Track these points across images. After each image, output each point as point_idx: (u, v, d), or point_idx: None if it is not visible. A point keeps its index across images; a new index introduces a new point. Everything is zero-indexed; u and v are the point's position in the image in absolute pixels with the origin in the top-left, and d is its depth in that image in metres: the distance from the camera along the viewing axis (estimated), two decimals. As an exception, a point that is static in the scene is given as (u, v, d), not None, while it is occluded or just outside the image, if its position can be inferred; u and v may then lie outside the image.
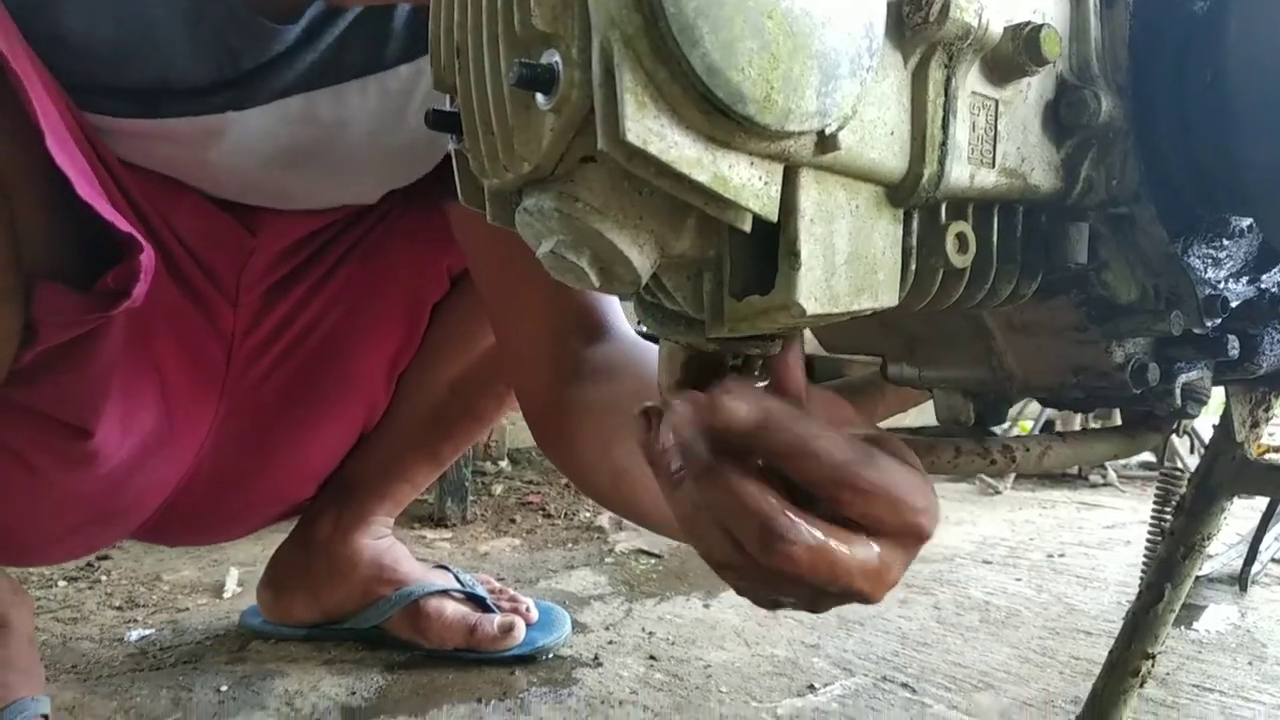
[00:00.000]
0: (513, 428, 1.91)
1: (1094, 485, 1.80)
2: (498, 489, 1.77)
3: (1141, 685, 0.71)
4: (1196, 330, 0.41)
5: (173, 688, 0.89)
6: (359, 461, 0.99)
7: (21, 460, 0.73)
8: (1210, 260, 0.43)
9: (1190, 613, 1.10)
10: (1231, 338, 0.43)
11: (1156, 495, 0.80)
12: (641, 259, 0.32)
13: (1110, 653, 0.72)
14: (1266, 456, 1.15)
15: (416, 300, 0.94)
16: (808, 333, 0.54)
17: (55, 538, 0.84)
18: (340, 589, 0.97)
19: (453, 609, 0.95)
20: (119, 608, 1.13)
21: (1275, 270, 0.45)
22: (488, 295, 0.79)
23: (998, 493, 1.75)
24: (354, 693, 0.89)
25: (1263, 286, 0.44)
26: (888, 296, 0.34)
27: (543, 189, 0.32)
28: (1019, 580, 1.24)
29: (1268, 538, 1.23)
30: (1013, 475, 1.80)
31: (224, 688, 0.89)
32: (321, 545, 0.98)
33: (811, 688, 0.90)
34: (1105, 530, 1.49)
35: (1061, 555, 1.35)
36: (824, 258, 0.32)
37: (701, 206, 0.30)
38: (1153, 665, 0.71)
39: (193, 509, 0.92)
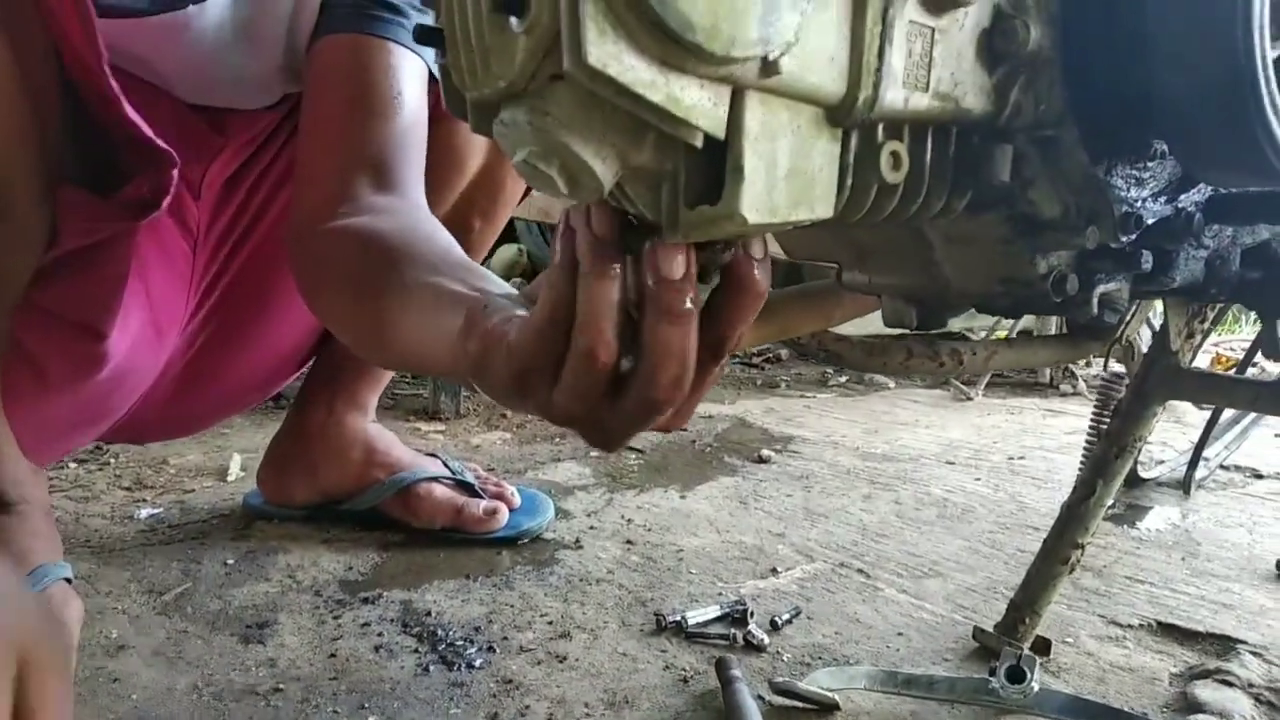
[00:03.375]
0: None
1: (1064, 394, 1.86)
2: (488, 386, 1.83)
3: (1071, 572, 0.78)
4: (1113, 245, 0.46)
5: (182, 560, 0.96)
6: (342, 345, 1.03)
7: (35, 365, 0.78)
8: (1133, 180, 0.47)
9: (1134, 513, 1.17)
10: (1146, 253, 0.47)
11: (1097, 400, 0.86)
12: (605, 170, 0.36)
13: (1044, 542, 0.79)
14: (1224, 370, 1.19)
15: None
16: (772, 240, 0.58)
17: (50, 439, 0.90)
18: (336, 472, 1.03)
19: (441, 492, 1.02)
20: (128, 488, 1.20)
21: (1194, 191, 0.49)
22: (303, 121, 0.78)
23: (969, 399, 1.81)
24: (351, 568, 0.96)
25: (1180, 206, 0.48)
26: (824, 209, 0.38)
27: (516, 103, 0.35)
28: (978, 480, 1.31)
29: (1216, 445, 1.30)
30: (984, 383, 1.86)
31: (230, 561, 0.96)
32: (317, 431, 1.03)
33: (774, 571, 0.97)
34: (1066, 436, 1.56)
35: (1021, 458, 1.42)
36: (766, 173, 0.36)
37: (656, 124, 0.34)
38: (1081, 554, 0.77)
39: (165, 405, 0.97)
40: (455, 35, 0.36)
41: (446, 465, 1.07)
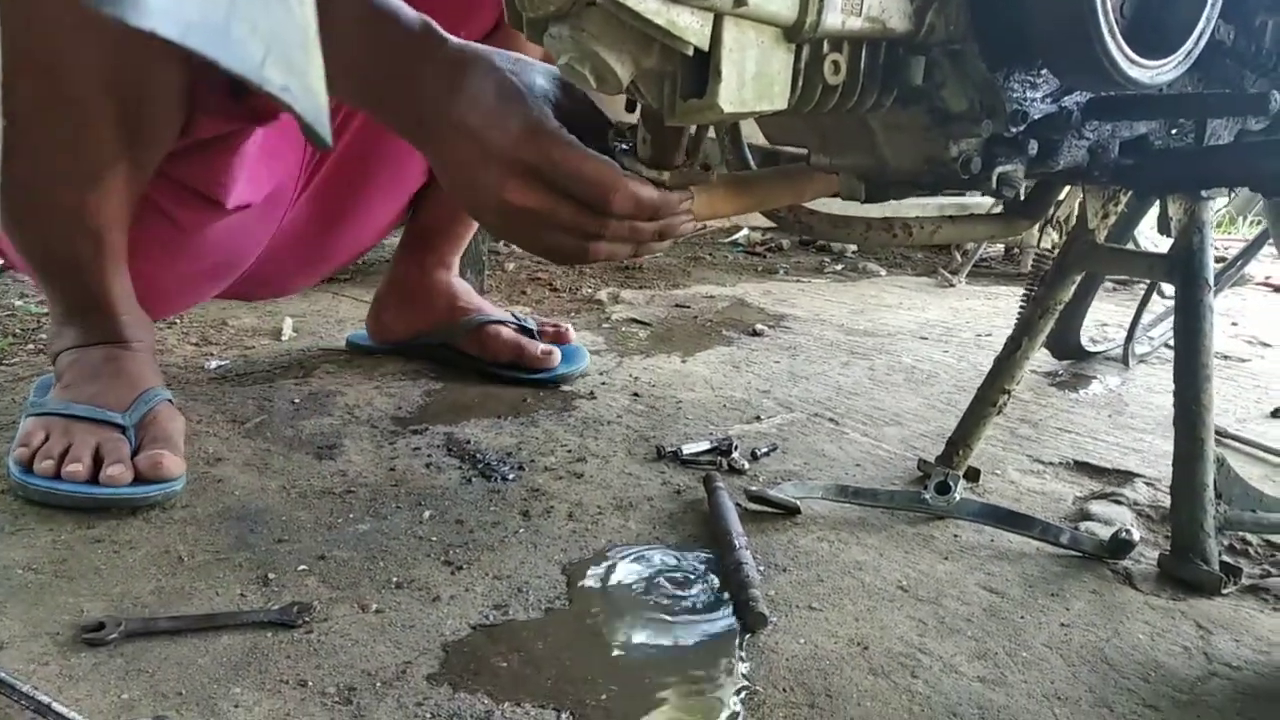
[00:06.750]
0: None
1: (1042, 285, 2.00)
2: (510, 266, 1.98)
3: (999, 413, 0.95)
4: (1005, 135, 0.60)
5: (255, 399, 1.13)
6: (430, 214, 1.25)
7: (164, 214, 0.96)
8: (1028, 84, 0.61)
9: (1078, 381, 1.33)
10: (1033, 141, 0.62)
11: (1030, 272, 0.99)
12: (623, 70, 0.50)
13: (978, 389, 0.95)
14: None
15: None
16: (756, 126, 0.72)
17: (180, 286, 1.07)
18: (427, 313, 1.27)
19: (508, 333, 1.24)
20: (195, 344, 1.37)
21: (1076, 94, 0.63)
22: None
23: (952, 285, 1.95)
24: (400, 408, 1.13)
25: (1063, 105, 0.62)
26: (780, 103, 0.52)
27: (562, 22, 0.50)
28: (946, 352, 1.47)
29: (1162, 325, 1.45)
30: (967, 270, 2.00)
31: (296, 400, 1.13)
32: (414, 283, 1.27)
33: (758, 418, 1.14)
34: (1034, 319, 1.71)
35: (989, 335, 1.58)
36: (738, 75, 0.50)
37: (661, 39, 0.48)
38: (1007, 399, 0.94)
39: (274, 265, 1.15)
40: (518, -30, 0.50)
41: (512, 314, 1.28)
